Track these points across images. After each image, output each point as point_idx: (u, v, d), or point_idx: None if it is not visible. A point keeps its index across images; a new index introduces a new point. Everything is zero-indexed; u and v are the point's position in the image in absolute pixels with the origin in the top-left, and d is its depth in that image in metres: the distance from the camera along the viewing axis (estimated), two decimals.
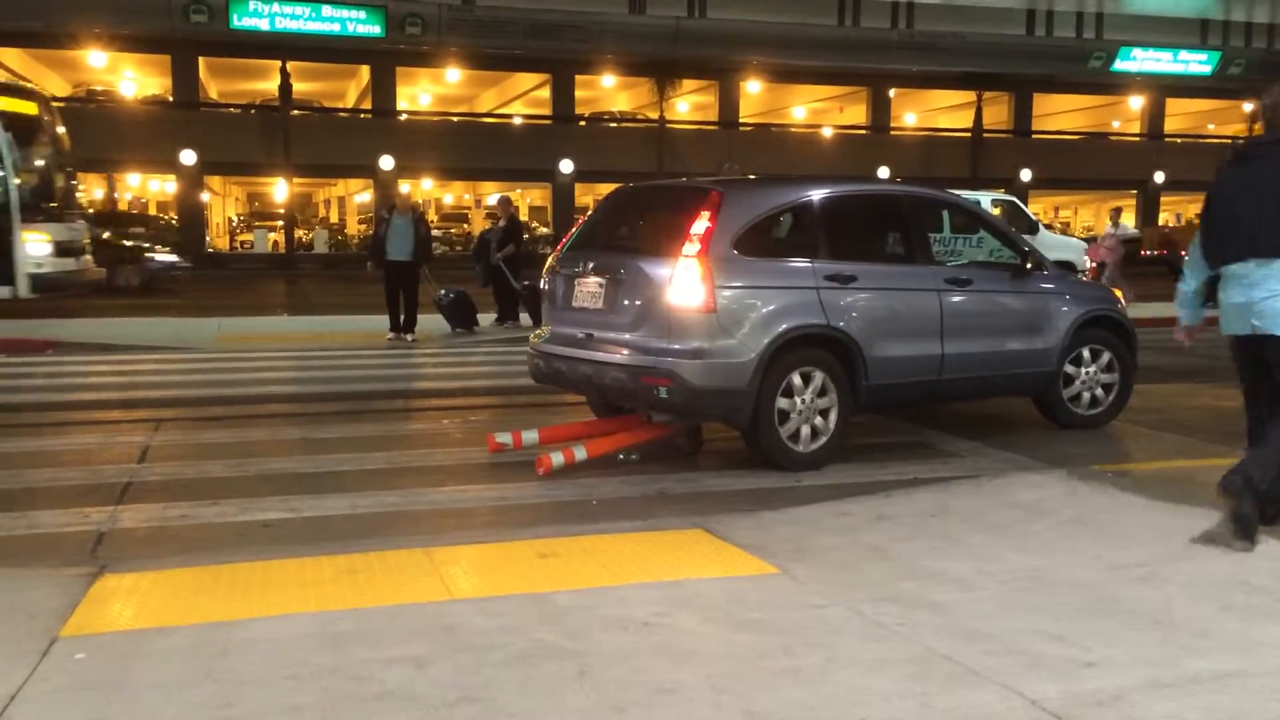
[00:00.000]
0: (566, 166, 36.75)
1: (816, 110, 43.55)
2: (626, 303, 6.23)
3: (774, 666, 3.20)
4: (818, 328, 6.20)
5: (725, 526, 4.75)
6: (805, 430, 6.20)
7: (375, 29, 30.20)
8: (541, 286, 7.15)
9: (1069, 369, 7.38)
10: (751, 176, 8.50)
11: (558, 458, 6.07)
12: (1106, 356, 7.50)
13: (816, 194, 6.66)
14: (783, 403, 6.11)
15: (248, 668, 3.18)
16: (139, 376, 10.16)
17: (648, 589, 3.91)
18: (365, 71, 36.13)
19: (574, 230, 7.18)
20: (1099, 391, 7.52)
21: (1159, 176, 42.81)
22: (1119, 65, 38.45)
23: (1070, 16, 37.31)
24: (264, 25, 29.02)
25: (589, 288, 6.47)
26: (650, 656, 3.28)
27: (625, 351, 6.15)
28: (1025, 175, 40.26)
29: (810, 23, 33.70)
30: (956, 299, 6.84)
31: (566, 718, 2.88)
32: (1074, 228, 47.55)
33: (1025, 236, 20.60)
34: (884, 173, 36.31)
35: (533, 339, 6.97)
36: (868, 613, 3.67)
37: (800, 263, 6.35)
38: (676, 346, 5.94)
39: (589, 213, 7.67)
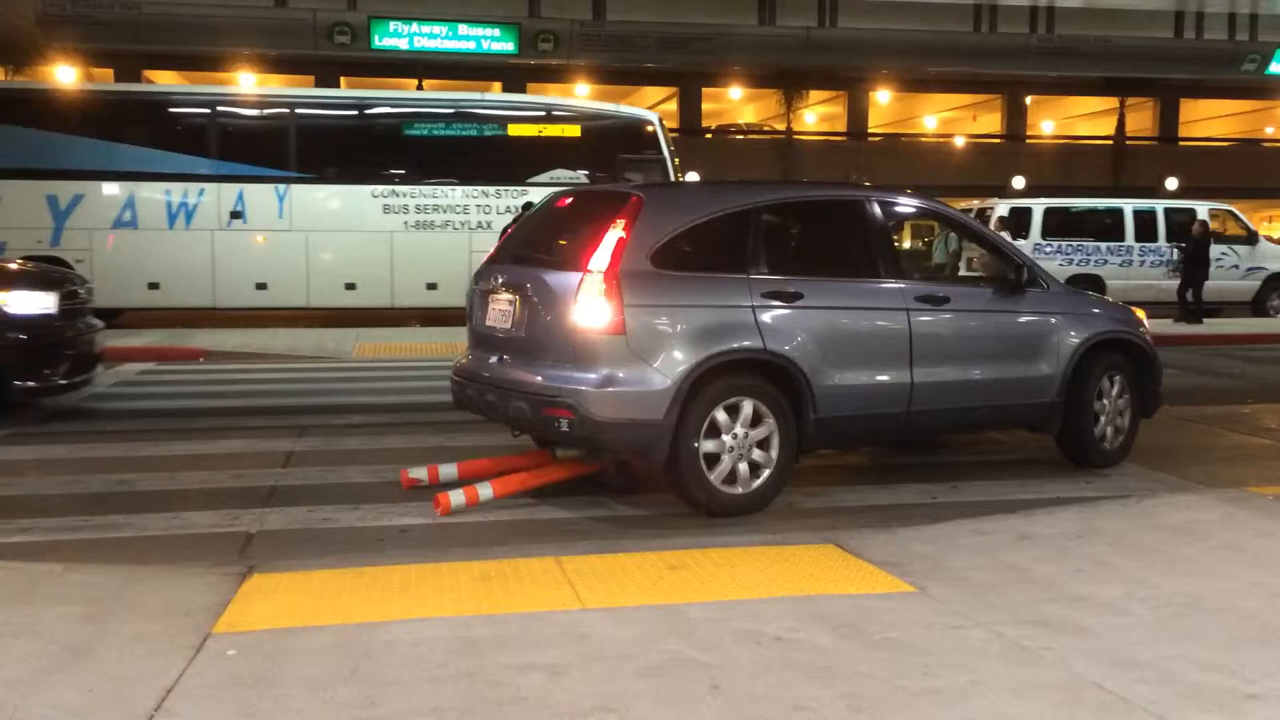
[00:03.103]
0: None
1: (948, 119, 42.64)
2: (533, 323, 5.53)
3: (913, 687, 3.12)
4: (751, 352, 5.41)
5: (858, 542, 4.67)
6: (736, 468, 5.39)
7: (509, 45, 30.83)
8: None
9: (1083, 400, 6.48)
10: (687, 180, 7.23)
11: (458, 497, 5.51)
12: (1120, 385, 6.64)
13: (758, 200, 5.84)
14: (709, 442, 5.33)
15: (389, 669, 3.26)
16: (283, 384, 10.56)
17: (780, 604, 3.87)
18: (497, 88, 36.96)
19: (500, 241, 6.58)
20: (1119, 424, 6.67)
21: None
22: (1275, 68, 36.54)
23: (1222, 18, 35.63)
24: (403, 45, 29.94)
25: (500, 305, 5.81)
26: (784, 672, 3.23)
27: (529, 378, 5.47)
28: (1171, 184, 38.59)
29: (945, 29, 33.05)
30: (929, 320, 5.98)
31: None
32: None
33: (1242, 248, 19.69)
34: (1019, 183, 35.30)
35: (458, 360, 6.30)
36: (1011, 635, 3.54)
37: (734, 278, 5.54)
38: (579, 374, 5.23)
39: (517, 221, 7.02)
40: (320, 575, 4.24)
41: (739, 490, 5.42)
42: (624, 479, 6.06)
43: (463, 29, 30.49)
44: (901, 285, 5.98)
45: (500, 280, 5.87)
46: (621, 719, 2.92)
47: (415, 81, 29.74)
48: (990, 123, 41.23)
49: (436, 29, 30.24)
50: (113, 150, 15.50)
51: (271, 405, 9.14)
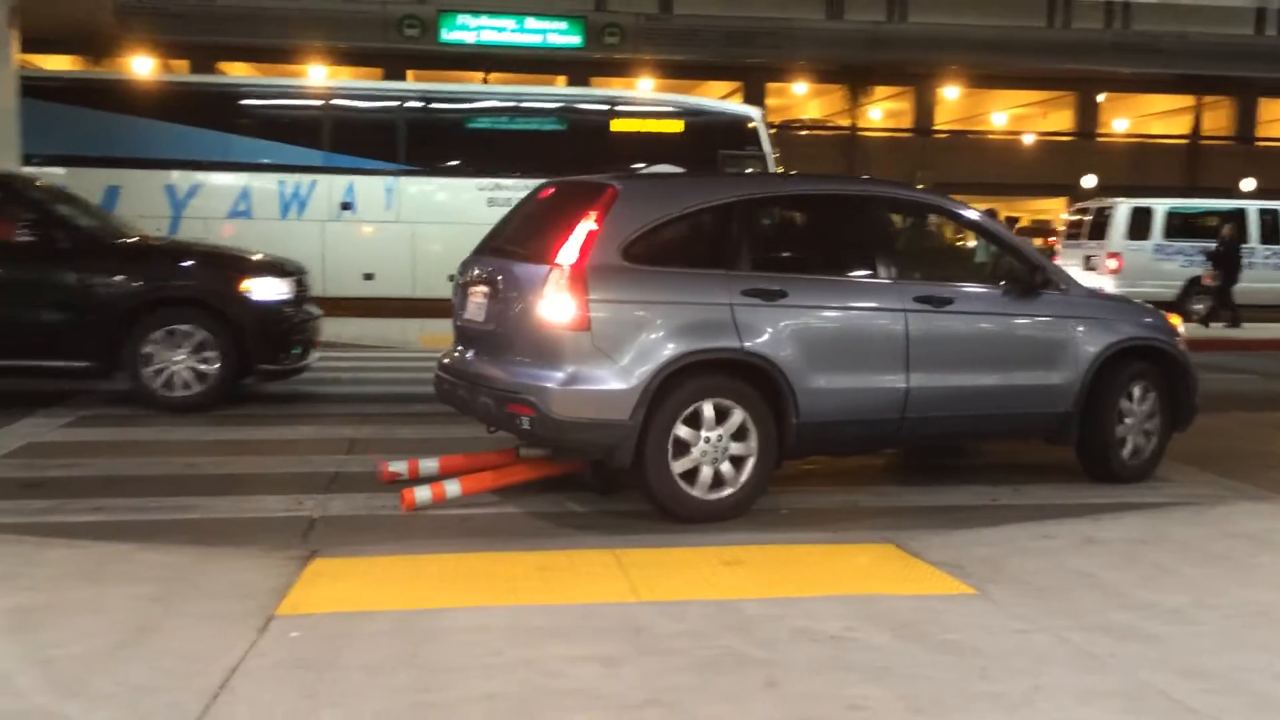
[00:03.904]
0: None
1: (1018, 116, 41.93)
2: (503, 317, 5.41)
3: (973, 690, 3.07)
4: (727, 352, 5.19)
5: (918, 543, 4.61)
6: (708, 473, 5.18)
7: (575, 40, 30.90)
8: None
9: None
10: (667, 172, 6.62)
11: (423, 493, 5.39)
12: (1143, 394, 6.22)
13: (742, 194, 5.65)
14: (681, 436, 5.11)
15: (446, 655, 3.29)
16: (347, 373, 10.70)
17: (837, 602, 3.83)
18: (561, 83, 37.09)
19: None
20: (1145, 437, 6.28)
21: None
22: None
23: None
24: (470, 39, 30.16)
25: (476, 298, 5.70)
26: (841, 671, 3.20)
27: (495, 373, 5.36)
28: (1248, 184, 37.56)
29: (1017, 24, 32.47)
30: (928, 322, 5.64)
31: None
32: None
33: None
34: (1090, 181, 34.53)
35: (444, 354, 6.16)
36: (1075, 641, 3.48)
37: (712, 274, 5.34)
38: (542, 371, 5.07)
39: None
40: (380, 561, 4.30)
41: (712, 496, 5.20)
42: (601, 479, 5.70)
43: (529, 22, 30.61)
44: (899, 285, 5.66)
45: (476, 273, 5.78)
46: (675, 713, 2.91)
47: (481, 75, 29.99)
48: (1061, 120, 40.47)
49: (503, 22, 30.40)
50: (229, 142, 15.93)
51: (338, 394, 9.26)
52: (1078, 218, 20.79)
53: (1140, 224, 18.50)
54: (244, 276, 8.23)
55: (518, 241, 5.75)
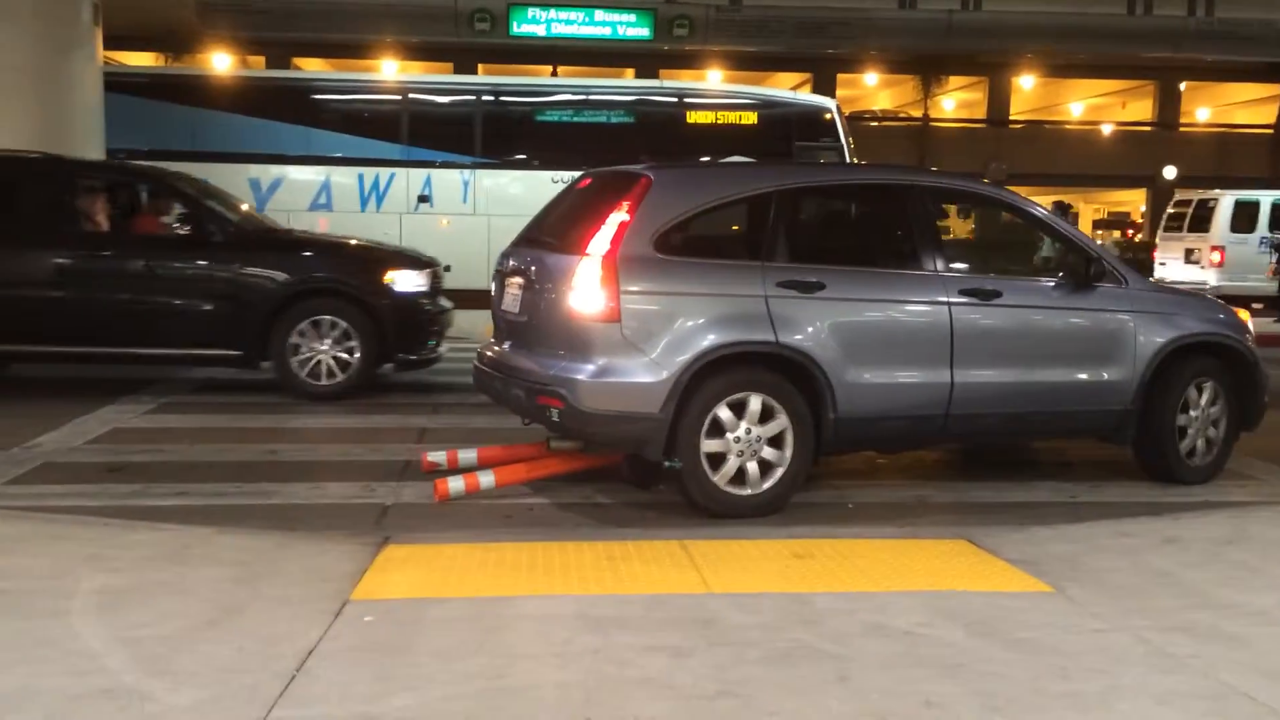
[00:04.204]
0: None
1: (1095, 106, 41.00)
2: (535, 307, 5.35)
3: (1050, 690, 3.02)
4: (761, 345, 5.07)
5: (992, 539, 4.54)
6: (742, 468, 5.10)
7: (644, 31, 30.87)
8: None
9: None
10: (706, 161, 6.23)
11: (457, 484, 5.41)
12: (1209, 394, 5.99)
13: (781, 183, 5.47)
14: (712, 439, 5.04)
15: (517, 642, 3.32)
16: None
17: (909, 598, 3.79)
18: (629, 75, 37.10)
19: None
20: (1210, 436, 6.05)
21: None
22: None
23: None
24: (540, 31, 30.30)
25: (512, 289, 5.65)
26: (914, 667, 3.17)
27: (526, 364, 5.32)
28: None
29: (1097, 11, 31.70)
30: (975, 315, 5.49)
31: None
32: None
33: None
34: (1171, 173, 33.60)
35: (483, 344, 6.18)
36: (1155, 641, 3.40)
37: (747, 266, 5.24)
38: (571, 363, 5.02)
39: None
40: (451, 549, 4.34)
41: (747, 491, 5.12)
42: (638, 472, 5.61)
43: (599, 14, 30.62)
44: (943, 276, 5.50)
45: (512, 263, 5.74)
46: (747, 705, 2.91)
47: (549, 68, 30.14)
48: (1140, 110, 39.49)
49: (573, 15, 30.45)
50: (310, 136, 16.29)
51: (411, 383, 9.38)
52: (1178, 210, 20.25)
53: (1245, 217, 17.95)
54: (386, 269, 8.47)
55: (552, 232, 5.68)
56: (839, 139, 16.33)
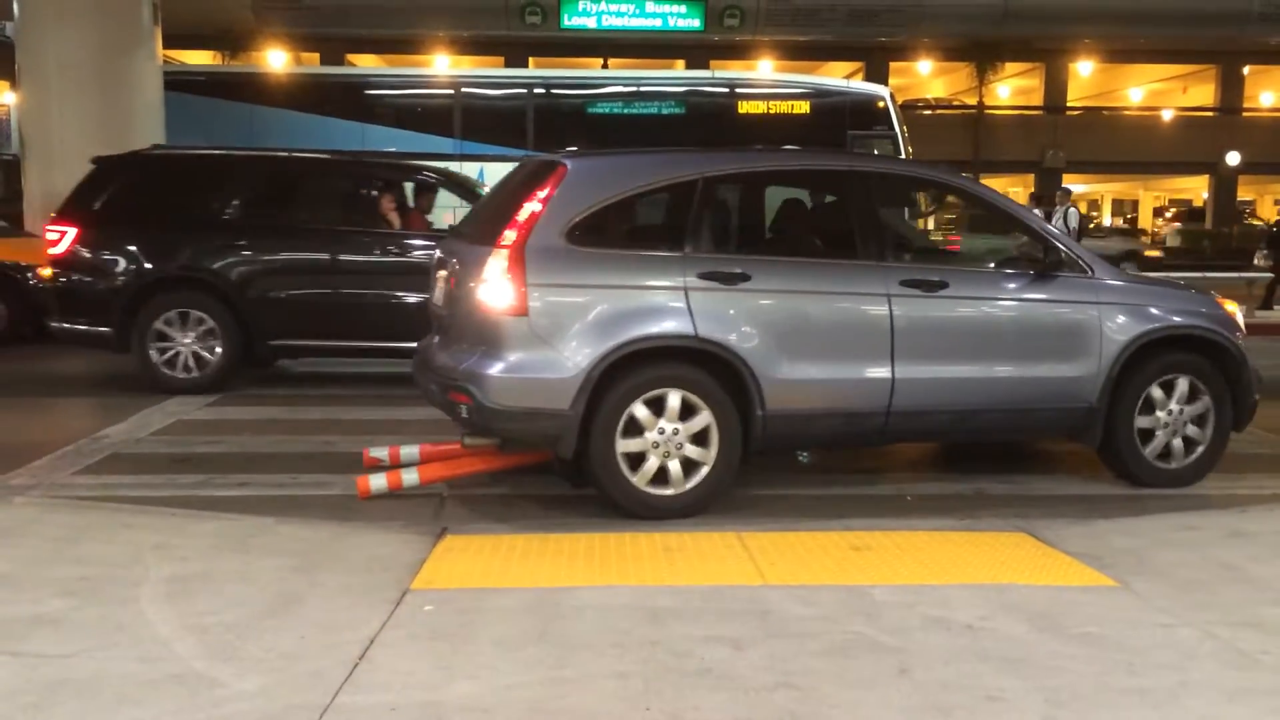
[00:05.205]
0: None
1: (1155, 91, 40.17)
2: (454, 301, 5.18)
3: (1116, 685, 2.97)
4: (679, 339, 4.88)
5: (1053, 532, 4.48)
6: (662, 467, 4.89)
7: (695, 22, 30.76)
8: None
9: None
10: (629, 149, 5.90)
11: (379, 481, 5.32)
12: (1184, 389, 5.55)
13: (707, 170, 5.21)
14: (629, 440, 4.85)
15: (576, 632, 3.34)
16: None
17: (969, 590, 3.76)
18: (680, 66, 36.99)
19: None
20: (1185, 437, 5.60)
21: None
22: None
23: None
24: (591, 24, 30.31)
25: (439, 283, 5.48)
26: (975, 661, 3.14)
27: (442, 359, 5.16)
28: None
29: None
30: (916, 307, 5.19)
31: (888, 715, 2.81)
32: None
33: None
34: (1234, 159, 32.89)
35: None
36: (1224, 636, 3.33)
37: (665, 257, 5.03)
38: (480, 357, 4.86)
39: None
40: (508, 539, 4.38)
41: (669, 491, 4.93)
42: (570, 470, 5.27)
43: (650, 6, 30.57)
44: (884, 267, 5.22)
45: (439, 255, 5.61)
46: (806, 697, 2.90)
47: (599, 61, 30.18)
48: (1202, 95, 38.65)
49: (624, 6, 30.42)
50: (366, 131, 16.56)
51: None
52: None
53: None
54: None
55: (475, 223, 5.58)
56: (893, 128, 16.22)
